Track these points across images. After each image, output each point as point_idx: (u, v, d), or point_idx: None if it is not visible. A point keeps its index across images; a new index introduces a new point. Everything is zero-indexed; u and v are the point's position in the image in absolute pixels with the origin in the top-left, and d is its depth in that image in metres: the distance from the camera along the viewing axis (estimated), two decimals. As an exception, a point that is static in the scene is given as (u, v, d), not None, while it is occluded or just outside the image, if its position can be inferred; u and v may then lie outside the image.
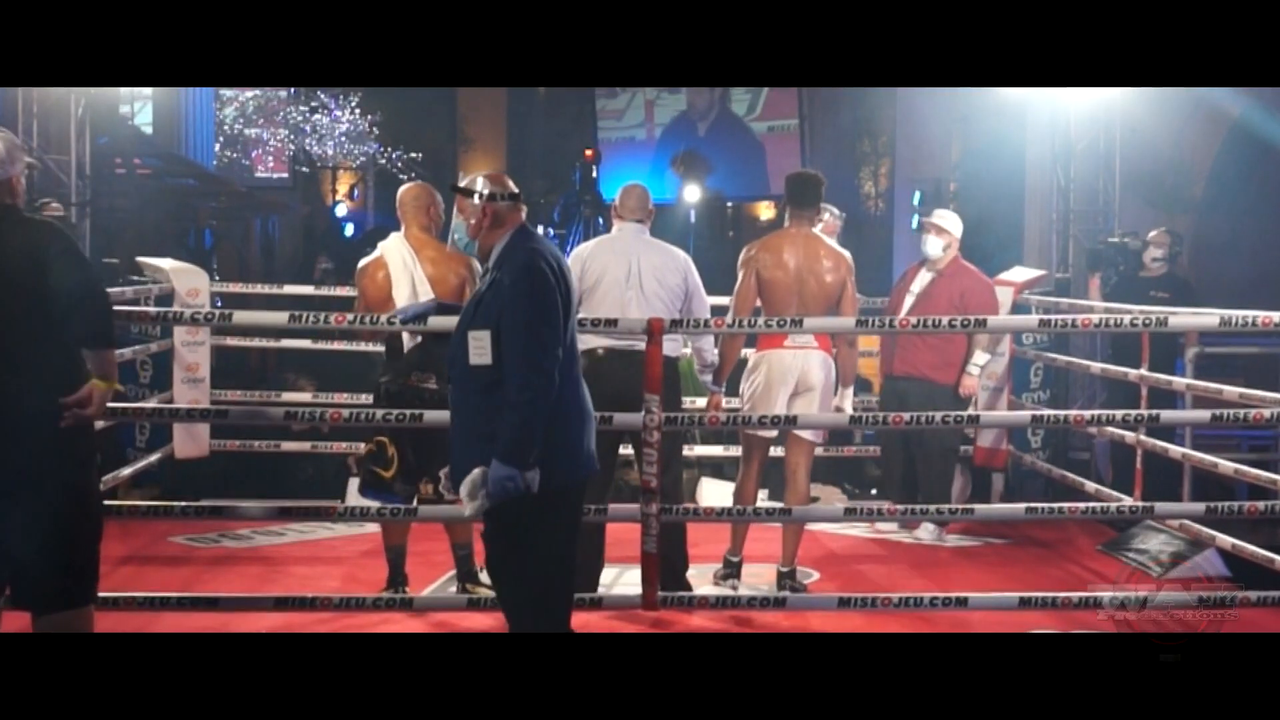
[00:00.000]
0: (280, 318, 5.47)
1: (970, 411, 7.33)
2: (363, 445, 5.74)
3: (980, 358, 7.15)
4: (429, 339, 5.32)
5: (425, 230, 5.64)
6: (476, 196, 3.92)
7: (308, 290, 10.04)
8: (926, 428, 6.62)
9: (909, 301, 7.18)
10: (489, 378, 3.76)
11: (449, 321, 4.59)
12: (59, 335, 3.79)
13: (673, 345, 5.75)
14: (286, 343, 8.71)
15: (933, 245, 7.18)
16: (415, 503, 5.59)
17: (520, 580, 3.83)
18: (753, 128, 21.11)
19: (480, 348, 3.77)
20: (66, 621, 3.84)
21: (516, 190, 3.98)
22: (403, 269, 5.51)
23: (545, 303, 3.77)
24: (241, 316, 5.78)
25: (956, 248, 7.22)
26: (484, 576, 5.76)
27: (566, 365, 3.82)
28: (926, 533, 7.18)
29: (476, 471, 3.71)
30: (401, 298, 5.45)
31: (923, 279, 7.23)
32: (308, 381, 9.39)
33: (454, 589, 5.77)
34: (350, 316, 5.32)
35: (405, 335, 5.36)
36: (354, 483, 7.68)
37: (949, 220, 7.27)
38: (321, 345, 8.61)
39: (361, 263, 5.68)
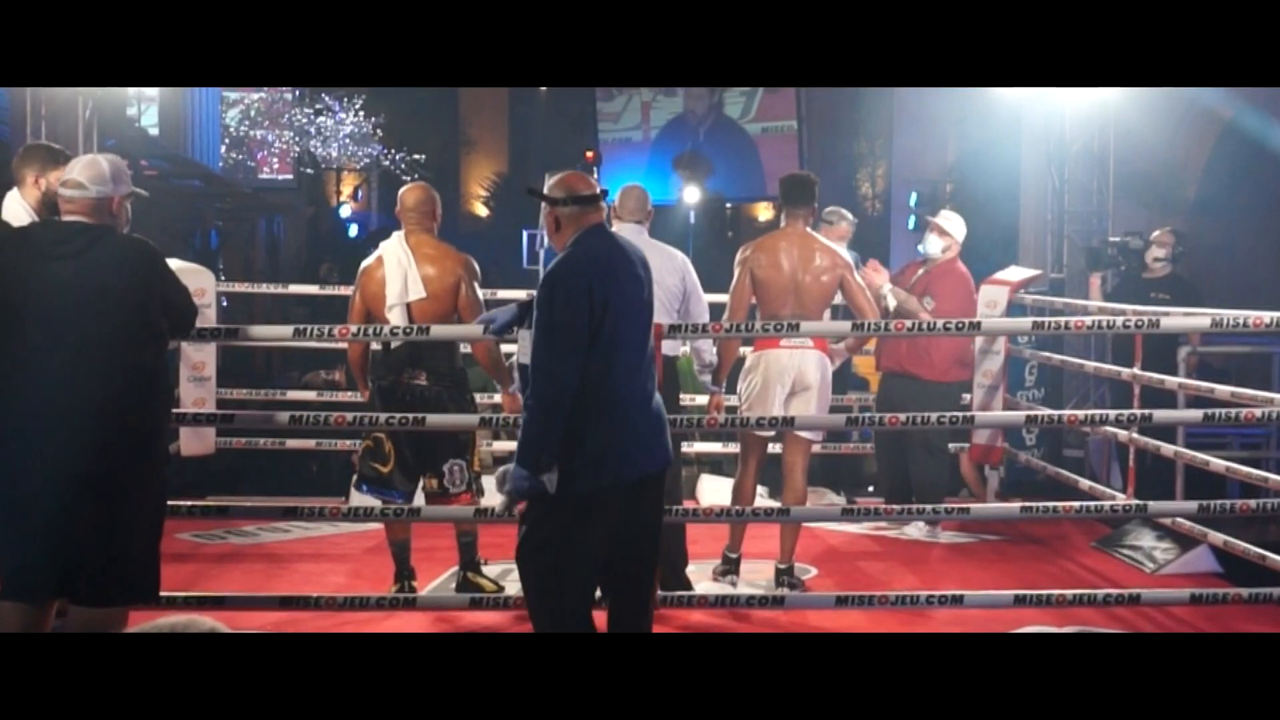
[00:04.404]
0: (285, 331, 5.58)
1: (967, 413, 7.40)
2: (359, 442, 5.82)
3: (892, 293, 6.97)
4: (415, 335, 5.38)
5: (427, 231, 5.69)
6: (544, 202, 3.95)
7: (312, 290, 10.15)
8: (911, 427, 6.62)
9: None
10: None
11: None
12: (150, 342, 3.98)
13: (671, 343, 5.83)
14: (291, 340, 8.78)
15: (933, 244, 7.16)
16: (422, 497, 5.69)
17: (537, 578, 3.92)
18: (748, 129, 21.17)
19: (526, 349, 3.90)
20: (106, 618, 3.89)
21: (586, 193, 3.91)
22: (396, 267, 5.57)
23: (568, 310, 3.75)
24: (245, 331, 5.81)
25: (956, 250, 7.17)
26: (486, 568, 5.87)
27: (600, 372, 3.81)
28: (916, 529, 7.21)
29: (503, 467, 3.88)
30: (393, 295, 5.52)
31: (916, 277, 7.23)
32: (321, 369, 9.44)
33: (456, 583, 5.85)
34: (354, 328, 5.39)
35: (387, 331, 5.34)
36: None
37: (952, 223, 7.20)
38: (326, 343, 8.66)
39: (364, 263, 5.75)
